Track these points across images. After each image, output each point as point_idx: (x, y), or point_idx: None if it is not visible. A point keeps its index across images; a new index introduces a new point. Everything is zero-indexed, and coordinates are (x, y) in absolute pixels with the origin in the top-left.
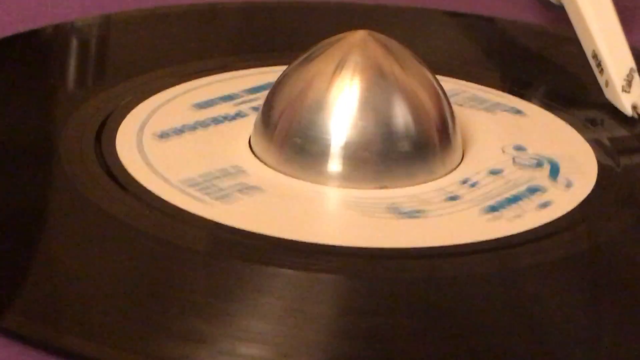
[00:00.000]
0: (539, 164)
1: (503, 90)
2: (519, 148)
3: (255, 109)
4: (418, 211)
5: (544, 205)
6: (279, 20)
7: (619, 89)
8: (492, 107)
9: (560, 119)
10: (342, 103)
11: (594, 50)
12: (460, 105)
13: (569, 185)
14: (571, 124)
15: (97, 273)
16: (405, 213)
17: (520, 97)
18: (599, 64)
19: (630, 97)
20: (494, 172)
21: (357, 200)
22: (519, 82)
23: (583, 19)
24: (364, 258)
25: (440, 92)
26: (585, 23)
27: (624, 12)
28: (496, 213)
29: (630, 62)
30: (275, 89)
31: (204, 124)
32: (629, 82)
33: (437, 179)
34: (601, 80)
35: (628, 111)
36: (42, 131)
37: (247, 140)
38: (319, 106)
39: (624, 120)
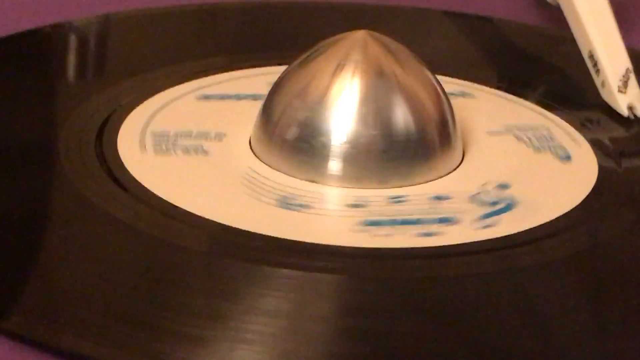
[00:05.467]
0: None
1: (501, 90)
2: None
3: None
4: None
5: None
6: (279, 20)
7: (615, 89)
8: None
9: (557, 118)
10: (343, 103)
11: (590, 51)
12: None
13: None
14: (569, 123)
15: (97, 273)
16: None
17: (518, 96)
18: (595, 64)
19: (626, 98)
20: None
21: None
22: (516, 82)
23: (579, 19)
24: (364, 258)
25: (440, 91)
26: (581, 23)
27: (621, 12)
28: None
29: (626, 63)
30: (276, 88)
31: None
32: (625, 82)
33: (437, 178)
34: (597, 81)
35: (624, 111)
36: (43, 131)
37: (248, 140)
38: (319, 106)
39: (620, 121)
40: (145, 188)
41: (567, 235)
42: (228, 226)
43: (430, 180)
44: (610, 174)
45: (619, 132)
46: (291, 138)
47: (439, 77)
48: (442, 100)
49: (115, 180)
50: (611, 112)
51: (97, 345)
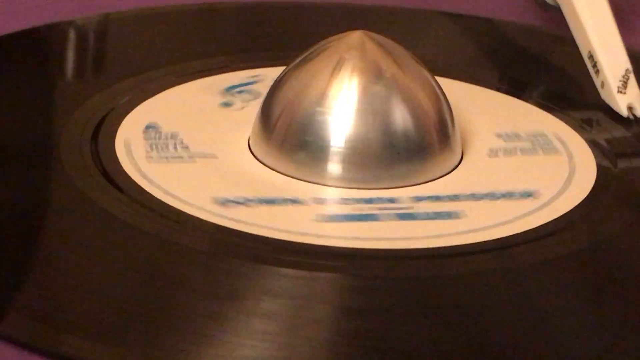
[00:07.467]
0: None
1: (500, 91)
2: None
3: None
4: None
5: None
6: (278, 20)
7: (614, 89)
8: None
9: (557, 119)
10: (341, 103)
11: (589, 51)
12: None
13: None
14: (568, 124)
15: (97, 273)
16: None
17: (518, 97)
18: (594, 65)
19: (626, 98)
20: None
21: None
22: (516, 82)
23: (579, 20)
24: (364, 258)
25: (438, 92)
26: (581, 24)
27: (620, 12)
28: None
29: (626, 63)
30: (274, 89)
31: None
32: (625, 82)
33: (436, 179)
34: (597, 81)
35: (623, 112)
36: (41, 130)
37: (246, 141)
38: (318, 106)
39: (620, 121)
40: (144, 188)
41: (566, 235)
42: (228, 227)
43: (430, 181)
44: (610, 174)
45: (619, 132)
46: (289, 138)
47: (438, 78)
48: (440, 100)
49: (114, 181)
50: (611, 113)
51: (97, 345)
